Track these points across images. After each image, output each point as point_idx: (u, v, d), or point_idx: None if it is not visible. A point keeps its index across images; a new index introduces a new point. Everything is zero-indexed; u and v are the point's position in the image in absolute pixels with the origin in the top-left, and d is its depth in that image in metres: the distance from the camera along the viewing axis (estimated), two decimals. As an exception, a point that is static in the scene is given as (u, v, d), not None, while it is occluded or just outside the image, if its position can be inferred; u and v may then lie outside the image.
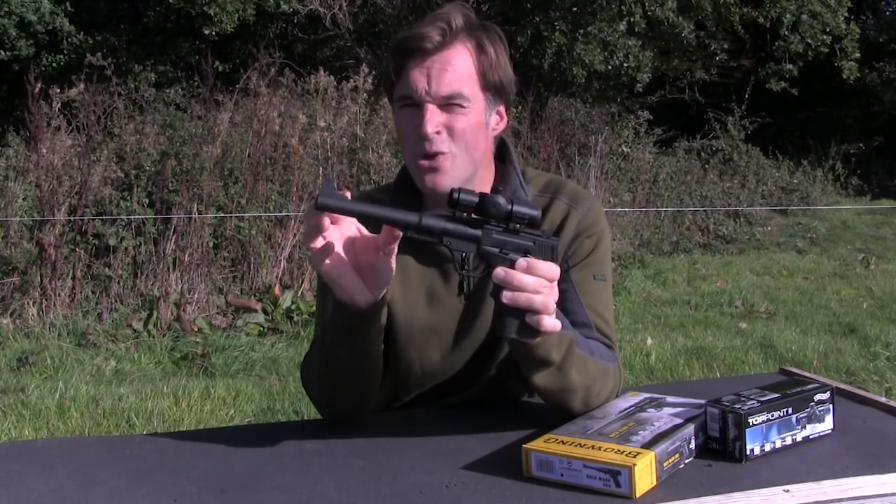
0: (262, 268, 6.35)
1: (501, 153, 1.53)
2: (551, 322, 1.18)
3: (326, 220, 1.16)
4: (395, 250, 1.21)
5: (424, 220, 1.15)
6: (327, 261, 1.19)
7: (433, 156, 1.38)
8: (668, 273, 7.95)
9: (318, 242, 1.17)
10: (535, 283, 1.15)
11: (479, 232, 1.18)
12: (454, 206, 1.17)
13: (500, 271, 1.15)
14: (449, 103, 1.38)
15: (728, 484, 1.13)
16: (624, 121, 11.00)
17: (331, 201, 1.11)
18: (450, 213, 1.18)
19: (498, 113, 1.47)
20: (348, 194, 1.15)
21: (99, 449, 1.37)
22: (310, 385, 1.44)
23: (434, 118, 1.37)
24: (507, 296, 1.15)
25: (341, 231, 1.21)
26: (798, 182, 12.01)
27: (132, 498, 1.15)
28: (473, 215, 1.18)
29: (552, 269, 1.17)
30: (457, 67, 1.38)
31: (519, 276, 1.15)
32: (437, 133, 1.37)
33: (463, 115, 1.38)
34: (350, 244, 1.21)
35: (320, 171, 6.86)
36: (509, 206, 1.17)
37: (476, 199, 1.17)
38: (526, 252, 1.19)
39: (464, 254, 1.21)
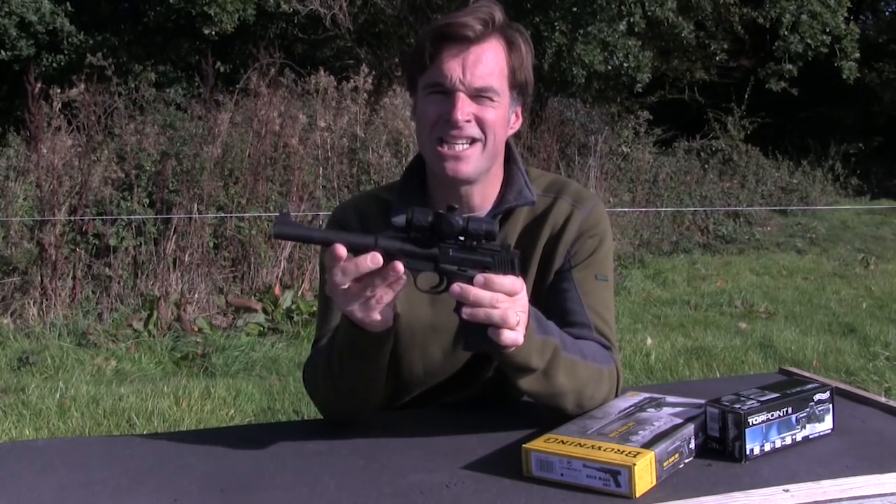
0: (262, 268, 6.35)
1: (506, 154, 1.54)
2: (511, 336, 1.17)
3: (341, 253, 1.15)
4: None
5: (381, 241, 1.16)
6: (343, 295, 1.18)
7: (459, 144, 1.39)
8: (668, 273, 7.94)
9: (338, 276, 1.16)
10: (492, 297, 1.15)
11: (435, 250, 1.19)
12: (409, 226, 1.18)
13: (455, 287, 1.16)
14: (480, 95, 1.39)
15: (728, 483, 1.13)
16: (624, 121, 11.00)
17: (287, 230, 1.14)
18: (405, 234, 1.18)
19: (516, 113, 1.49)
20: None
21: (99, 449, 1.38)
22: (313, 389, 1.44)
23: (465, 107, 1.38)
24: (465, 311, 1.16)
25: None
26: (798, 182, 11.99)
27: (132, 498, 1.15)
28: (430, 234, 1.19)
29: (512, 284, 1.17)
30: (491, 61, 1.40)
31: (475, 292, 1.15)
32: (468, 121, 1.39)
33: (492, 108, 1.40)
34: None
35: (320, 171, 6.87)
36: (463, 224, 1.18)
37: (430, 218, 1.18)
38: (485, 267, 1.19)
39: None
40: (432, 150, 1.42)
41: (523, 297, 1.20)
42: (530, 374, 1.28)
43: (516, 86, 1.45)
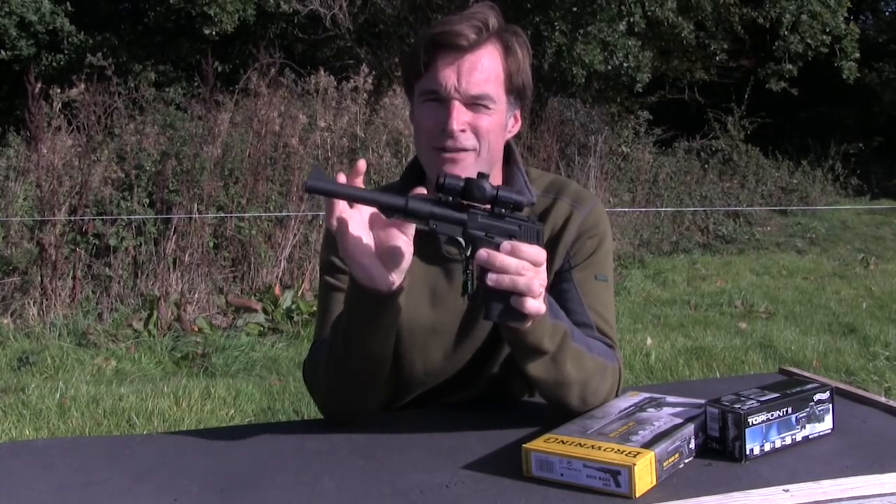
0: (262, 268, 6.35)
1: (506, 155, 1.54)
2: (535, 304, 1.17)
3: (339, 204, 1.19)
4: (413, 231, 1.22)
5: (411, 203, 1.17)
6: (349, 242, 1.21)
7: (455, 151, 1.39)
8: (668, 273, 7.94)
9: (334, 223, 1.20)
10: (518, 265, 1.16)
11: (464, 216, 1.19)
12: (440, 190, 1.18)
13: (482, 253, 1.16)
14: (475, 102, 1.39)
15: (728, 483, 1.13)
16: (624, 121, 11.00)
17: (319, 184, 1.13)
18: (436, 198, 1.19)
19: (514, 116, 1.49)
20: (342, 178, 1.17)
21: (99, 449, 1.37)
22: (314, 383, 1.44)
23: (460, 116, 1.38)
24: (491, 278, 1.16)
25: (361, 216, 1.22)
26: (798, 182, 12.00)
27: (132, 497, 1.15)
28: (460, 199, 1.19)
29: (537, 253, 1.18)
30: (486, 68, 1.39)
31: (501, 258, 1.15)
32: (462, 131, 1.38)
33: (487, 115, 1.40)
34: (370, 227, 1.23)
35: (320, 171, 6.86)
36: (494, 191, 1.18)
37: (462, 184, 1.18)
38: (511, 236, 1.20)
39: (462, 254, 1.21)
40: (431, 157, 1.42)
41: (545, 270, 1.20)
42: (540, 357, 1.28)
43: (513, 90, 1.44)
